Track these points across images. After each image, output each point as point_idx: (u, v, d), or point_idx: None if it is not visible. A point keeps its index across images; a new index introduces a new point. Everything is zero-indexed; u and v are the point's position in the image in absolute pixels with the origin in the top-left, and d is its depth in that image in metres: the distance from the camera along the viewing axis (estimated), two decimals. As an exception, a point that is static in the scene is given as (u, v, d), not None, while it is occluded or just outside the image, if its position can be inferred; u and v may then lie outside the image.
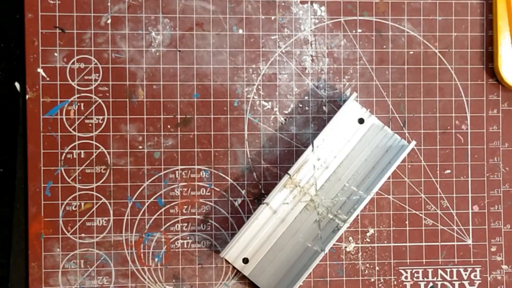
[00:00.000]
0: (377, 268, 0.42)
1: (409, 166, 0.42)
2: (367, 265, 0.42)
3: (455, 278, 0.42)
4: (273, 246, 0.40)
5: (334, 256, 0.41)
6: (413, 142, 0.40)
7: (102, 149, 0.40)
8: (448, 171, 0.42)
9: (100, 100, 0.40)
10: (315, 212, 0.40)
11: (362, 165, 0.40)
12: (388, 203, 0.42)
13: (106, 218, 0.40)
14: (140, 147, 0.41)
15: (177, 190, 0.41)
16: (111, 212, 0.40)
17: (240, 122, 0.41)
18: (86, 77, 0.40)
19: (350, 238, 0.42)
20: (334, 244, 0.41)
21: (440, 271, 0.42)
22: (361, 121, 0.41)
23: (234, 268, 0.41)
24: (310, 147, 0.40)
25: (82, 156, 0.40)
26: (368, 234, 0.42)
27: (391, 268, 0.42)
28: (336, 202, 0.40)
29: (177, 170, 0.41)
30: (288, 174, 0.39)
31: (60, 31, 0.40)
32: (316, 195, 0.40)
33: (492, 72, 0.43)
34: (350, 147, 0.41)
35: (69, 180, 0.40)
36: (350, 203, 0.40)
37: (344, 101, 0.41)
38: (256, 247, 0.40)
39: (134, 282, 0.41)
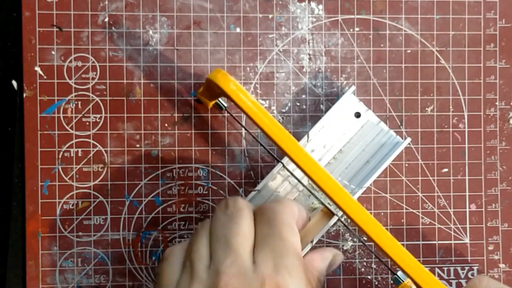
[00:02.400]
0: (374, 266, 0.42)
1: (406, 165, 0.42)
2: (364, 263, 0.42)
3: (452, 276, 0.42)
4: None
5: (332, 254, 0.41)
6: (408, 139, 0.40)
7: (99, 148, 0.40)
8: (445, 169, 0.42)
9: (97, 99, 0.40)
10: (307, 203, 0.40)
11: (355, 160, 0.40)
12: (385, 202, 0.42)
13: (103, 217, 0.40)
14: (138, 145, 0.41)
15: (174, 188, 0.41)
16: (109, 210, 0.40)
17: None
18: (83, 76, 0.40)
19: (347, 236, 0.42)
20: (331, 243, 0.41)
21: (437, 270, 0.42)
22: (357, 115, 0.41)
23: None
24: (305, 137, 0.40)
25: (80, 154, 0.40)
26: (365, 232, 0.42)
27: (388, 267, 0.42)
28: None
29: (175, 168, 0.41)
30: (281, 162, 0.39)
31: (58, 29, 0.40)
32: (309, 185, 0.39)
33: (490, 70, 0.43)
34: (344, 141, 0.41)
35: (66, 179, 0.40)
36: None
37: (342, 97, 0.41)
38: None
39: (132, 280, 0.41)
